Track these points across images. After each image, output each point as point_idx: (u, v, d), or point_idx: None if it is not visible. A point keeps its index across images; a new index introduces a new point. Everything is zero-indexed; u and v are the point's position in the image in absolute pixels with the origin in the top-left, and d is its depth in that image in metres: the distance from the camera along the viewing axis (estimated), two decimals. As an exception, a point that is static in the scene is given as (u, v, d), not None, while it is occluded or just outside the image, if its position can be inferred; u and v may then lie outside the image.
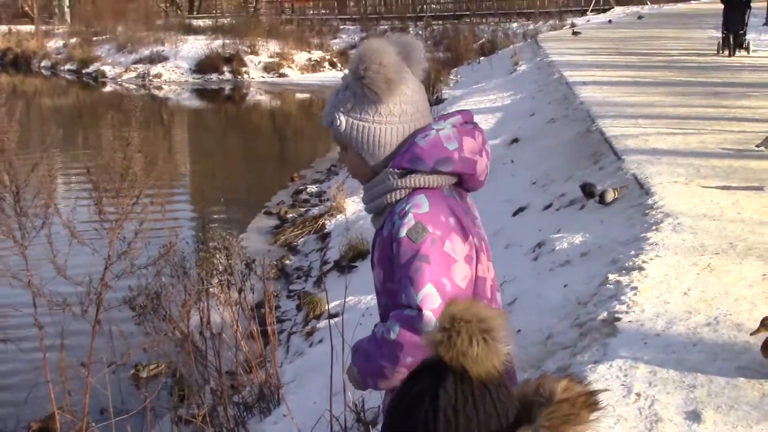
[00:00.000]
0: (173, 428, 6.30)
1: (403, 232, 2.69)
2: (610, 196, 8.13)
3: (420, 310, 2.63)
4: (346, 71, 2.86)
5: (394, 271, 2.75)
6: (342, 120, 2.80)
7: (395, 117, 2.78)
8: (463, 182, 2.87)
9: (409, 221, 2.69)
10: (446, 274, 2.66)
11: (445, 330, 1.65)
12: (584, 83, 16.02)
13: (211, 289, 7.71)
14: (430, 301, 2.64)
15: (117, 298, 5.42)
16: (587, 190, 8.52)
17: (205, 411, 6.90)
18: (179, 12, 69.18)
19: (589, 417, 1.65)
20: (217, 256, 7.80)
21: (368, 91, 2.75)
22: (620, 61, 20.23)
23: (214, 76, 43.34)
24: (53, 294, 4.81)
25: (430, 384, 1.65)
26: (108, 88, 42.17)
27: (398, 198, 2.77)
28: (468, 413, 1.62)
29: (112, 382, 5.58)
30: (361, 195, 3.01)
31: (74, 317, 4.89)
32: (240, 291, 7.71)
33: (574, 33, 30.46)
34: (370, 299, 7.88)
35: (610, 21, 36.67)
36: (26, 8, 64.38)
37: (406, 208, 2.72)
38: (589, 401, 1.66)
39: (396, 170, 2.76)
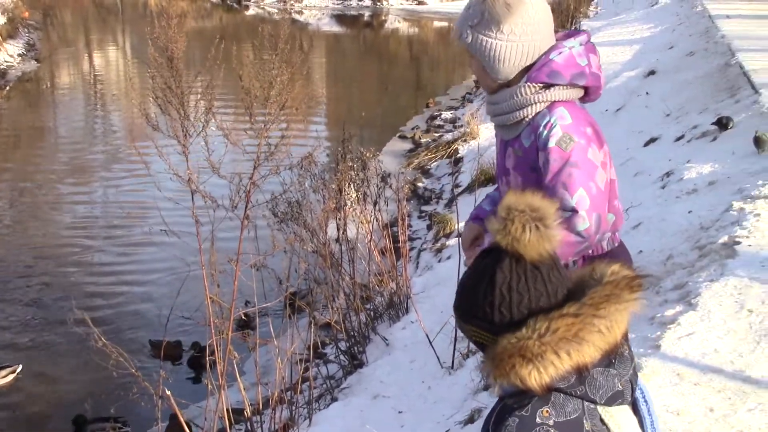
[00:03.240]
0: (309, 327, 6.73)
1: (552, 142, 2.92)
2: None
3: (576, 211, 2.87)
4: None
5: (542, 178, 2.97)
6: (469, 34, 3.05)
7: (516, 36, 2.98)
8: (588, 96, 3.09)
9: (557, 132, 2.92)
10: (592, 179, 2.90)
11: (501, 219, 1.87)
12: (727, 16, 15.66)
13: (347, 202, 8.09)
14: (583, 203, 2.88)
15: (263, 198, 5.85)
16: (722, 122, 8.53)
17: (339, 315, 7.35)
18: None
19: (630, 296, 1.87)
20: (355, 169, 8.16)
21: (489, 11, 2.99)
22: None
23: (354, 2, 43.63)
24: (208, 192, 5.27)
25: (490, 264, 1.90)
26: (251, 12, 42.97)
27: (538, 111, 2.98)
28: (520, 290, 1.87)
29: (255, 276, 6.05)
30: None
31: (227, 214, 5.34)
32: (375, 204, 8.07)
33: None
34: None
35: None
36: (174, -69, 65.67)
37: (552, 120, 2.94)
38: (632, 283, 1.88)
39: (535, 84, 2.98)
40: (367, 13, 41.81)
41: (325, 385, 7.05)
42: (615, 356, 1.88)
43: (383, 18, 40.46)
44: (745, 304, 4.89)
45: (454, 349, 6.33)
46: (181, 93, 5.10)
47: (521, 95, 3.00)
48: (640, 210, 7.32)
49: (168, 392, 5.39)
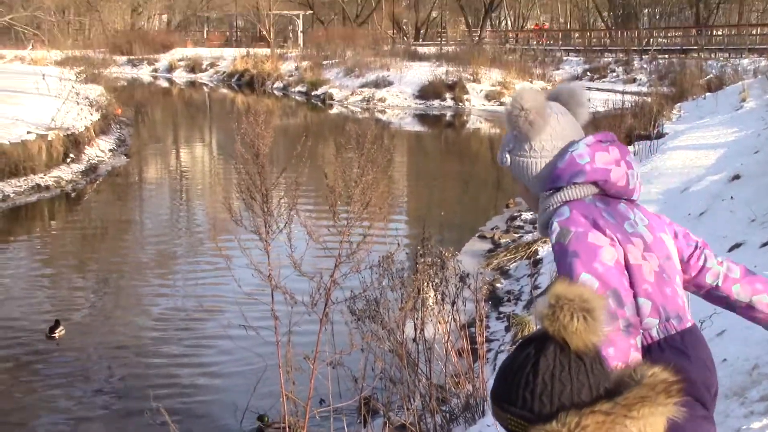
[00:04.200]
0: (384, 428, 6.68)
1: (554, 239, 3.11)
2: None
3: None
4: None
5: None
6: (508, 158, 3.32)
7: (548, 151, 3.24)
8: (606, 191, 3.23)
9: (556, 228, 3.11)
10: (596, 260, 3.01)
11: (551, 306, 1.92)
12: (816, 122, 15.54)
13: (425, 301, 8.08)
14: (589, 287, 2.91)
15: (343, 295, 5.89)
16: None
17: (414, 416, 7.28)
18: (405, 39, 71.04)
19: (666, 401, 1.84)
20: (434, 268, 8.17)
21: (517, 131, 3.24)
22: None
23: (436, 102, 44.17)
24: (288, 288, 5.33)
25: (534, 352, 1.93)
26: (334, 110, 43.81)
27: (549, 215, 3.21)
28: (563, 380, 1.87)
29: (331, 374, 6.05)
30: None
31: (305, 310, 5.39)
32: (453, 304, 8.05)
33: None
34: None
35: None
36: (264, 33, 67.84)
37: (553, 219, 3.16)
38: (669, 388, 1.86)
39: (546, 193, 3.24)
40: (449, 113, 42.27)
41: (399, 488, 6.95)
42: None
43: (465, 118, 40.85)
44: (836, 420, 4.73)
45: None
46: (265, 189, 5.21)
47: (541, 206, 3.27)
48: (724, 317, 7.15)
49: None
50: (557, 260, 3.12)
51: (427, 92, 44.85)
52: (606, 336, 2.97)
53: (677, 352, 3.08)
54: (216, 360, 10.57)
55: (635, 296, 3.07)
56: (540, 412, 1.87)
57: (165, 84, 60.07)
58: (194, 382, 10.00)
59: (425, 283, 7.94)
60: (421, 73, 47.41)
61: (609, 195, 3.26)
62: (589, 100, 3.51)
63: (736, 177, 12.86)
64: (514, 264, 14.23)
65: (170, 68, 65.82)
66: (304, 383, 5.77)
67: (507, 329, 11.00)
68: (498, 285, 13.22)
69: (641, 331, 3.08)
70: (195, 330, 11.76)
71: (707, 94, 29.11)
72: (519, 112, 3.22)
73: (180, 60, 66.68)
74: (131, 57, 67.44)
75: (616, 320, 2.96)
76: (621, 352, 2.91)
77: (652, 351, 3.09)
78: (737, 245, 9.58)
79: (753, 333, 6.52)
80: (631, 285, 3.08)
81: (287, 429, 5.51)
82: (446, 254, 8.54)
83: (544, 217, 3.26)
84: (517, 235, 16.24)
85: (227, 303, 11.18)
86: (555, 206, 3.20)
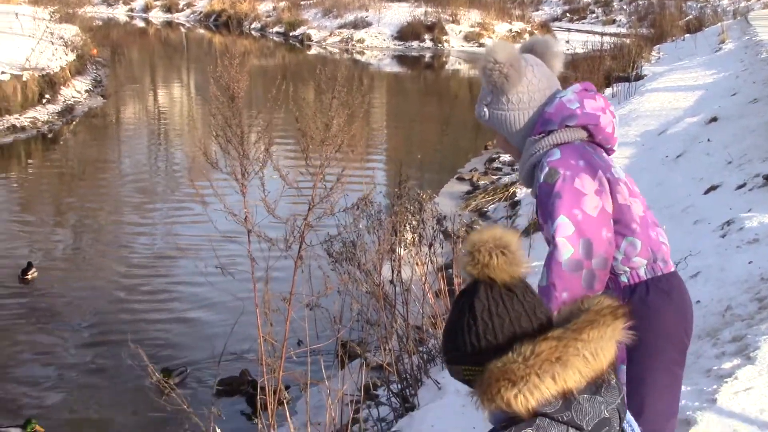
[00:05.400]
0: (361, 369, 6.73)
1: (541, 178, 3.16)
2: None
3: (555, 238, 3.04)
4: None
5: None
6: (486, 112, 3.37)
7: (525, 103, 3.29)
8: (594, 136, 3.29)
9: (545, 168, 3.17)
10: (577, 206, 3.06)
11: (469, 253, 2.05)
12: (794, 64, 15.55)
13: (403, 243, 8.08)
14: (563, 230, 3.04)
15: (318, 238, 5.90)
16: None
17: (391, 357, 7.32)
18: (385, -21, 70.19)
19: (612, 322, 1.96)
20: (411, 211, 8.16)
21: (492, 85, 3.29)
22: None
23: (414, 44, 43.94)
24: (263, 231, 5.32)
25: (467, 299, 2.05)
26: (312, 51, 43.48)
27: (539, 157, 3.25)
28: (500, 314, 2.00)
29: (308, 317, 6.08)
30: None
31: (282, 254, 5.38)
32: (430, 246, 8.06)
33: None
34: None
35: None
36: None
37: (543, 160, 3.21)
38: (615, 311, 1.98)
39: (534, 137, 3.28)
40: (428, 55, 42.06)
41: (375, 428, 7.01)
42: (602, 384, 1.95)
43: (444, 59, 40.66)
44: (806, 358, 4.80)
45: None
46: (241, 132, 5.17)
47: (527, 149, 3.30)
48: (698, 259, 7.23)
49: (218, 430, 5.41)
50: (541, 199, 3.16)
51: (406, 33, 44.60)
52: (554, 276, 3.04)
53: (662, 295, 3.13)
54: (192, 303, 10.59)
55: (625, 235, 3.12)
56: (488, 350, 1.97)
57: (141, 24, 59.34)
58: (171, 323, 10.02)
59: (402, 225, 7.94)
60: (400, 13, 47.08)
61: (595, 141, 3.31)
62: (567, 41, 3.52)
63: (714, 119, 12.87)
64: (492, 206, 14.26)
65: (146, 8, 64.97)
66: (281, 325, 5.79)
67: (484, 271, 11.04)
68: (476, 227, 13.23)
69: (629, 270, 3.14)
70: (171, 272, 11.77)
71: (686, 35, 29.06)
72: (493, 66, 3.25)
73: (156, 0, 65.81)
74: (107, -4, 66.49)
75: (581, 270, 3.00)
76: (574, 297, 2.95)
77: (638, 290, 3.13)
78: (713, 187, 9.63)
79: (727, 275, 6.59)
80: (623, 224, 3.15)
81: (264, 370, 5.54)
82: (424, 196, 8.53)
83: (532, 161, 3.28)
84: (495, 177, 16.27)
85: (204, 245, 11.18)
86: (546, 148, 3.23)
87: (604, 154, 3.32)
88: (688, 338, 3.22)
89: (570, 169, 3.12)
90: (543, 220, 3.18)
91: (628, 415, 2.09)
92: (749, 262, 6.66)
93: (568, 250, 3.01)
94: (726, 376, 4.81)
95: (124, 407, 8.22)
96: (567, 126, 3.23)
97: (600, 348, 1.93)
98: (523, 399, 1.87)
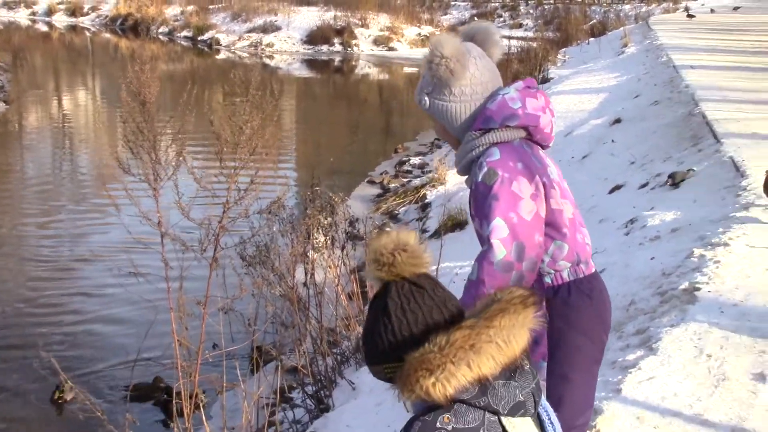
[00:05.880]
0: (276, 371, 6.75)
1: (479, 178, 3.23)
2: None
3: (490, 240, 3.08)
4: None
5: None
6: (426, 100, 3.41)
7: (467, 96, 3.34)
8: (532, 135, 3.38)
9: (483, 167, 3.24)
10: (513, 210, 3.15)
11: (374, 259, 2.15)
12: (692, 67, 16.01)
13: (315, 246, 8.14)
14: (498, 232, 3.13)
15: (233, 241, 5.92)
16: (675, 179, 8.77)
17: (306, 359, 7.37)
18: (293, -17, 69.98)
19: (522, 310, 2.06)
20: (323, 214, 8.22)
21: (437, 79, 3.33)
22: (732, 47, 20.00)
23: (324, 48, 43.87)
24: (178, 234, 5.33)
25: (380, 301, 2.14)
26: (221, 56, 43.14)
27: (478, 154, 3.32)
28: (413, 309, 2.09)
29: (223, 320, 6.09)
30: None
31: (196, 257, 5.40)
32: (343, 248, 8.13)
33: (689, 16, 30.22)
34: (465, 264, 8.23)
35: (735, 8, 35.55)
36: (147, -26, 66.08)
37: (481, 159, 3.28)
38: (525, 300, 2.09)
39: (475, 132, 3.33)
40: (337, 59, 42.07)
41: (291, 430, 7.05)
42: (516, 370, 2.04)
43: (353, 63, 40.74)
44: (704, 349, 5.00)
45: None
46: (153, 137, 5.17)
47: (466, 143, 3.35)
48: (604, 256, 7.44)
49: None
50: (477, 199, 3.25)
51: (316, 37, 44.49)
52: (484, 273, 3.14)
53: (583, 296, 3.26)
54: (105, 309, 10.45)
55: (554, 239, 3.22)
56: (405, 344, 2.05)
57: (44, 28, 58.01)
58: (84, 329, 9.88)
59: (315, 228, 8.00)
60: (310, 17, 46.99)
61: (533, 140, 3.40)
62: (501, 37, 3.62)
63: (617, 121, 13.22)
64: (403, 208, 14.40)
65: (49, 12, 63.51)
66: (196, 329, 5.80)
67: (397, 272, 11.14)
68: (387, 229, 13.34)
69: (553, 272, 3.25)
70: (80, 280, 11.57)
71: (591, 39, 29.63)
72: (439, 60, 3.29)
73: (60, 3, 64.39)
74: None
75: (511, 271, 3.10)
76: None
77: (560, 291, 3.26)
78: (617, 187, 9.90)
79: (631, 271, 6.81)
80: (554, 227, 3.25)
81: (180, 373, 5.54)
82: (336, 199, 8.61)
83: (470, 157, 3.34)
84: (405, 180, 16.41)
85: (116, 250, 11.06)
86: (484, 147, 3.29)
87: (541, 152, 3.41)
88: (606, 336, 3.37)
89: (508, 171, 3.19)
90: (478, 218, 3.26)
91: (544, 400, 2.18)
92: (651, 258, 6.89)
93: (501, 251, 3.10)
94: (630, 367, 4.99)
95: (38, 418, 8.09)
96: (507, 126, 3.29)
97: (512, 335, 2.02)
98: (441, 387, 1.95)
